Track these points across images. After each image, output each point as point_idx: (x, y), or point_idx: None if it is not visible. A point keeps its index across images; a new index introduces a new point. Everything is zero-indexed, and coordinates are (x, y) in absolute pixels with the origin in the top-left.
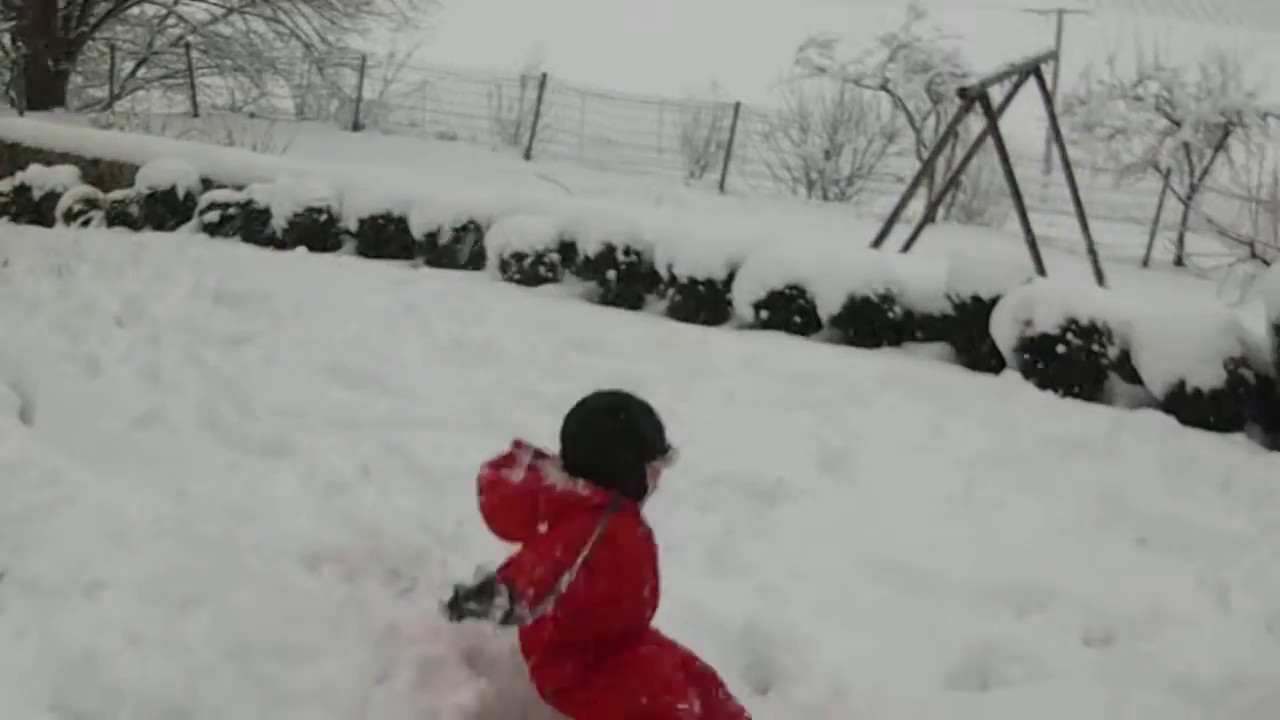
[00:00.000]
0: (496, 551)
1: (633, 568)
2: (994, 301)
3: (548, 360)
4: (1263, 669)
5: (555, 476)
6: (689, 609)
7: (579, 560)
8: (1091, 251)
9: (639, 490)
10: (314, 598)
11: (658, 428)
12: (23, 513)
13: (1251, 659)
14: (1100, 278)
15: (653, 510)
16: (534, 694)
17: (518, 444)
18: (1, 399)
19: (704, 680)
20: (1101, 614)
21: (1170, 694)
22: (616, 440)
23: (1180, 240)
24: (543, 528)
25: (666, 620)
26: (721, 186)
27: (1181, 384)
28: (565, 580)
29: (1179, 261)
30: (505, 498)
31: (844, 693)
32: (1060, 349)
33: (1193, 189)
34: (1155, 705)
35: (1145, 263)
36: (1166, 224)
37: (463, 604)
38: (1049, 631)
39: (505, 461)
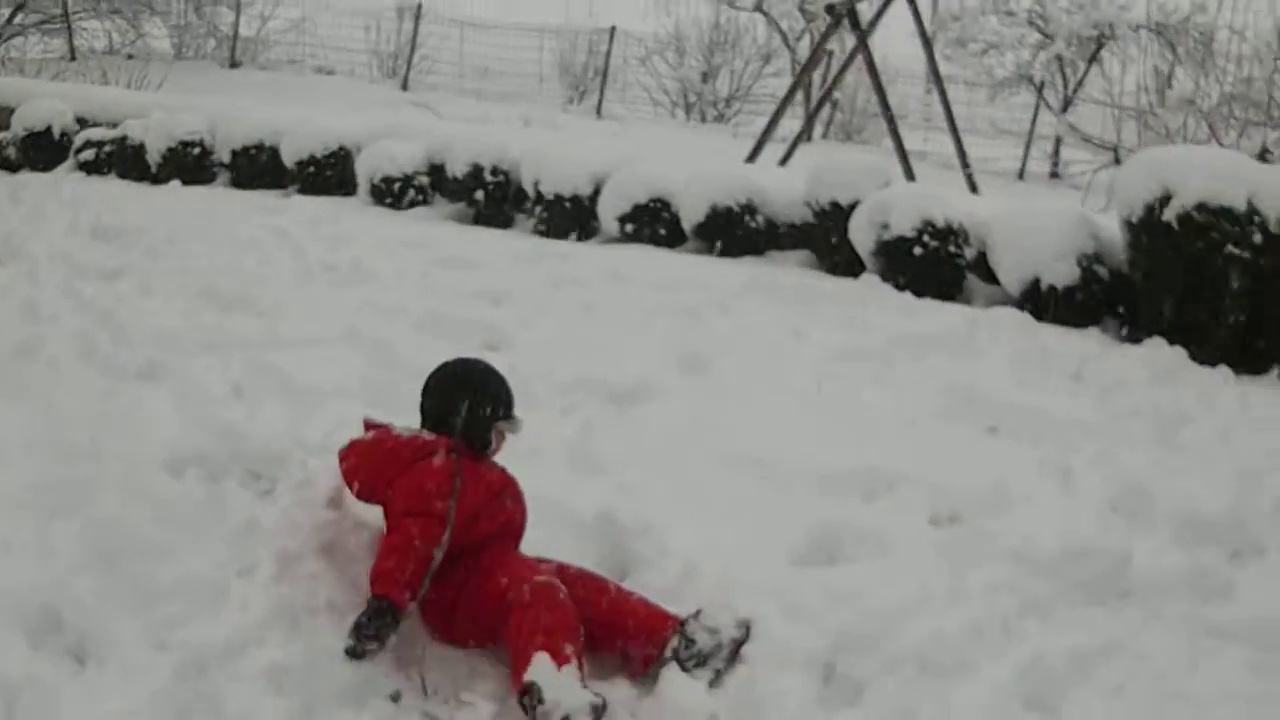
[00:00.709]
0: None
1: (490, 496)
2: (852, 207)
3: (416, 279)
4: (1103, 543)
5: (400, 429)
6: (548, 505)
7: (451, 513)
8: (964, 163)
9: (481, 445)
10: (177, 500)
11: (506, 392)
12: None
13: (1093, 534)
14: (973, 188)
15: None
16: None
17: (367, 422)
18: None
19: (586, 583)
20: (947, 496)
21: (1012, 566)
22: (463, 395)
23: (1055, 152)
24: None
25: (530, 516)
26: (599, 111)
27: (1036, 281)
28: (437, 559)
29: (1054, 174)
30: (360, 454)
31: (695, 574)
32: (917, 251)
33: (1066, 102)
34: (998, 577)
35: (1021, 175)
36: (1041, 137)
37: (363, 638)
38: (896, 513)
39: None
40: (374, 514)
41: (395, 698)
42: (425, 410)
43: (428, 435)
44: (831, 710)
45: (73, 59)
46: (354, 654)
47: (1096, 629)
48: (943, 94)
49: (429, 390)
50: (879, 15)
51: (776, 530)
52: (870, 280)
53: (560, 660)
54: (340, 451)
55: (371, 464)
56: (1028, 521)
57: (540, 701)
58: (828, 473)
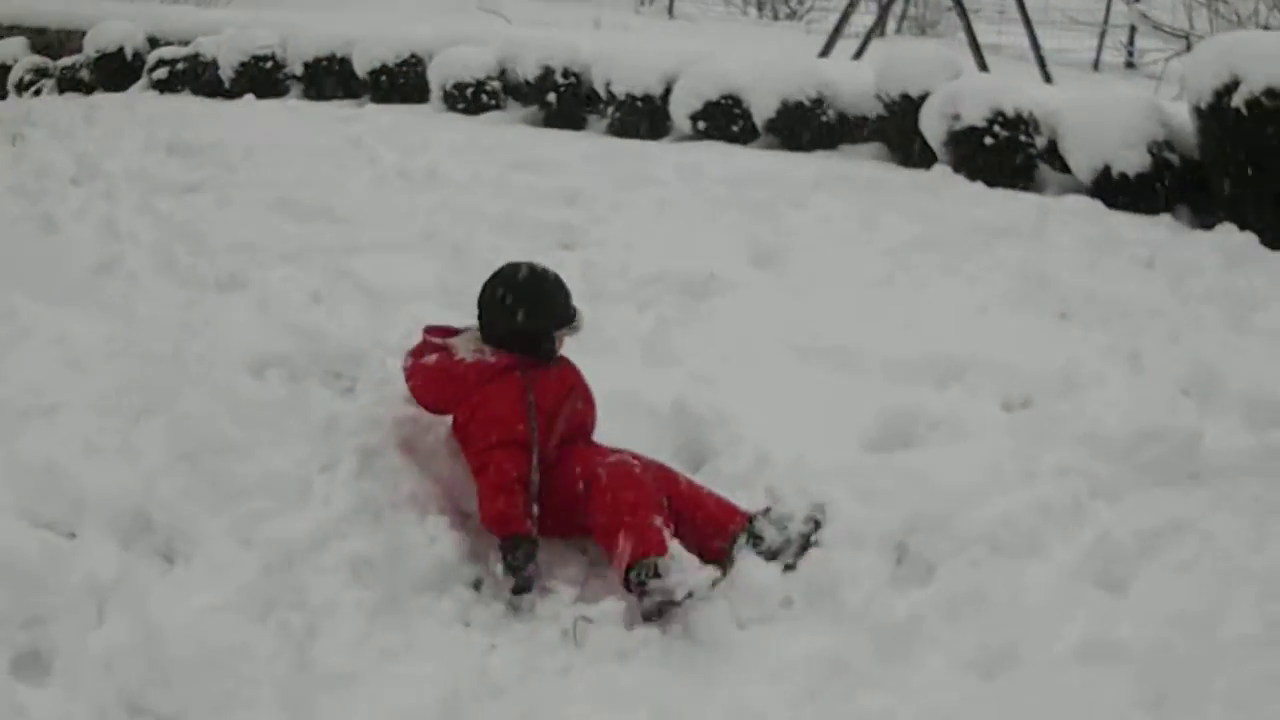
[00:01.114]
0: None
1: (561, 400)
2: (923, 99)
3: (491, 181)
4: (1173, 424)
5: (464, 351)
6: (624, 398)
7: (534, 434)
8: (1037, 53)
9: (548, 354)
10: (259, 400)
11: (563, 297)
12: None
13: (1161, 416)
14: (1047, 79)
15: (589, 311)
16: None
17: (428, 330)
18: None
19: (656, 475)
20: (1019, 381)
21: (1083, 448)
22: (518, 311)
23: (1130, 41)
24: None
25: (604, 410)
26: (670, 11)
27: (1107, 169)
28: (536, 480)
29: (1130, 64)
30: (428, 378)
31: (767, 461)
32: (988, 140)
33: None
34: (1068, 459)
35: (1096, 66)
36: (1115, 26)
37: (520, 576)
38: (968, 398)
39: (421, 350)
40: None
41: (476, 585)
42: (483, 325)
43: (489, 355)
44: (904, 590)
45: None
46: (524, 589)
47: (1165, 509)
48: None
49: (485, 305)
50: None
51: (849, 417)
52: (942, 171)
53: (654, 536)
54: (405, 368)
55: (441, 388)
56: (1098, 405)
57: (656, 575)
58: (900, 360)
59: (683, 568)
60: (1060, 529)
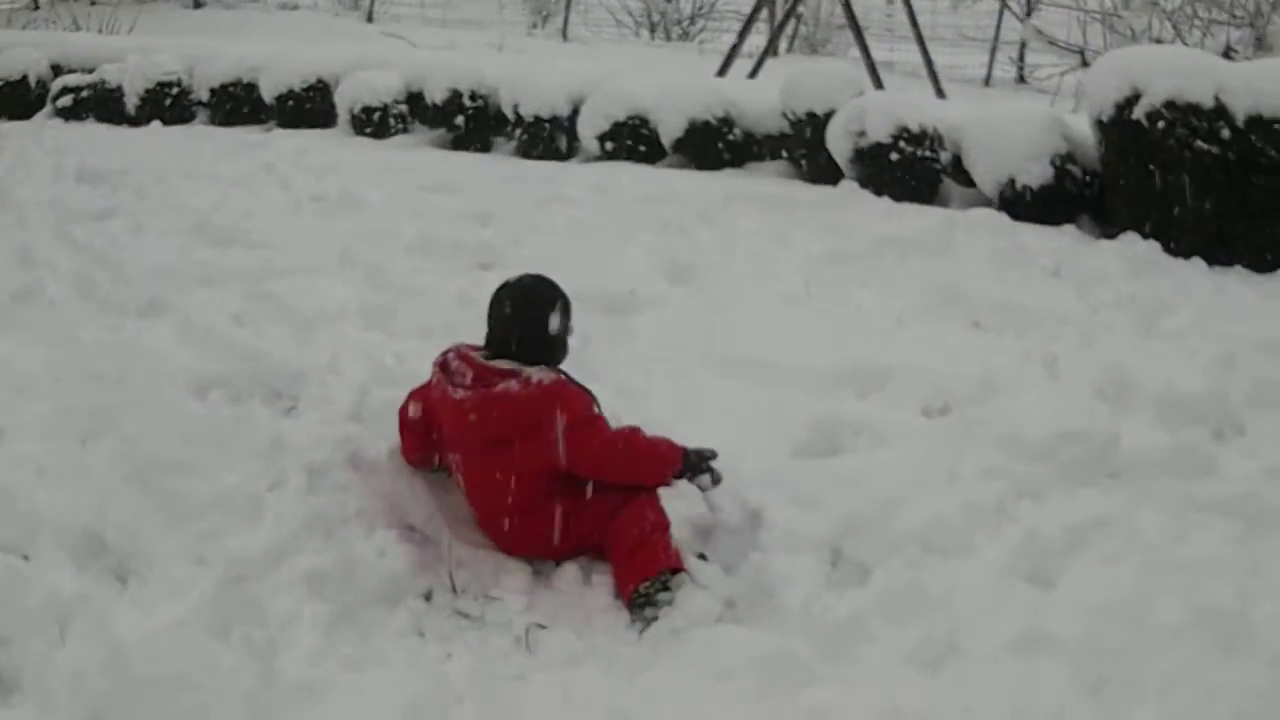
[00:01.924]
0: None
1: None
2: (828, 116)
3: (404, 204)
4: (1090, 426)
5: (510, 384)
6: None
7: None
8: (930, 70)
9: (564, 355)
10: (205, 420)
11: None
12: None
13: (1079, 419)
14: (940, 95)
15: None
16: (416, 489)
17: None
18: None
19: None
20: (938, 388)
21: (1004, 450)
22: (554, 314)
23: (1021, 57)
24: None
25: None
26: (564, 35)
27: (1012, 182)
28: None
29: (1021, 79)
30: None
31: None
32: (894, 156)
33: (1030, 7)
34: (991, 462)
35: (988, 82)
36: (1007, 43)
37: (713, 472)
38: (889, 406)
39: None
40: (394, 427)
41: (427, 596)
42: (510, 338)
43: (529, 373)
44: (841, 590)
45: (36, 8)
46: (718, 480)
47: (1088, 507)
48: (908, 2)
49: (515, 319)
50: None
51: (776, 426)
52: (849, 187)
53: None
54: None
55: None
56: (1016, 409)
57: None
58: (821, 371)
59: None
60: (988, 528)
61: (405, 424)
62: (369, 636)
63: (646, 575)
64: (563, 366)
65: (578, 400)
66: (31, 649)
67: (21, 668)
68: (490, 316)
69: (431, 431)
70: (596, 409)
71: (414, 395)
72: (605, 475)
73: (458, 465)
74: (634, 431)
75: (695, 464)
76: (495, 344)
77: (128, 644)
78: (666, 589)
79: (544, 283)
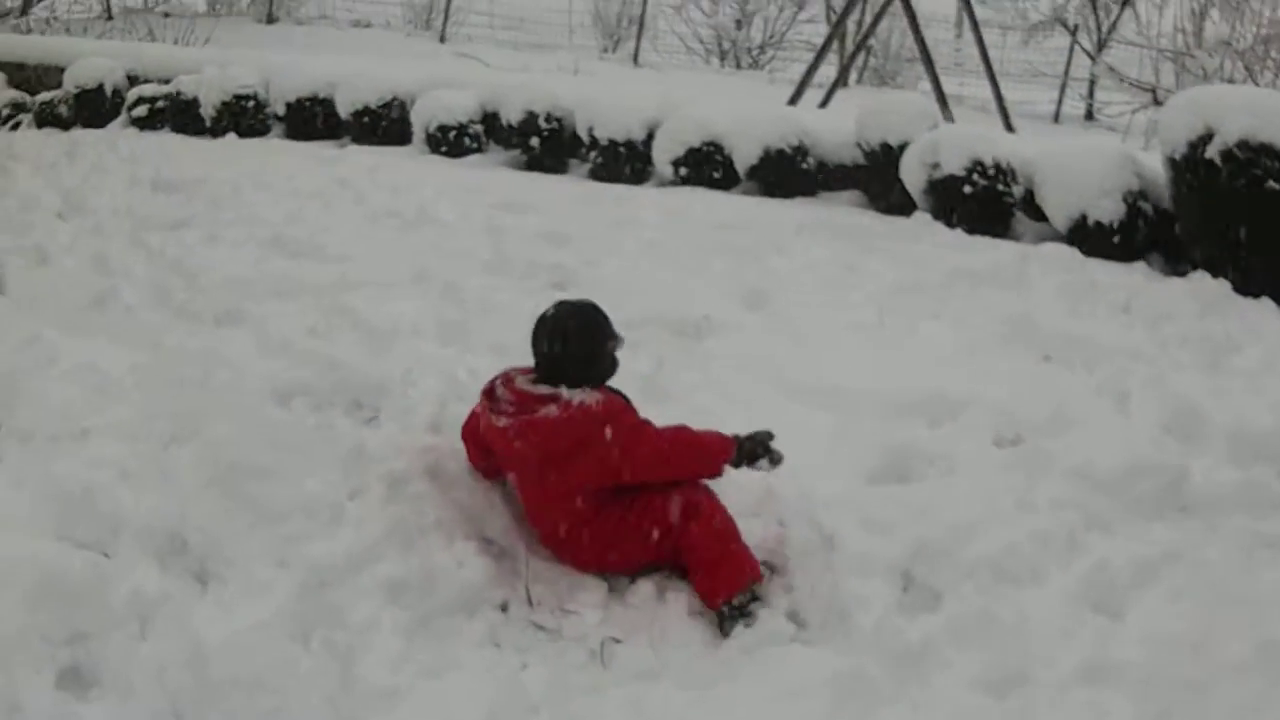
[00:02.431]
0: (454, 383)
1: None
2: (902, 148)
3: (479, 222)
4: (1160, 460)
5: (550, 409)
6: None
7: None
8: (1000, 104)
9: (613, 371)
10: (287, 427)
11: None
12: (9, 371)
13: (1149, 453)
14: (1010, 130)
15: None
16: (493, 502)
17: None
18: None
19: None
20: (1009, 419)
21: (1074, 482)
22: (599, 339)
23: (1090, 94)
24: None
25: None
26: (635, 60)
27: (1083, 218)
28: None
29: (1090, 115)
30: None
31: (774, 494)
32: (967, 189)
33: (1101, 44)
34: (1061, 493)
35: (1056, 118)
36: (1076, 79)
37: (771, 452)
38: (961, 436)
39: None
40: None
41: (503, 607)
42: (561, 362)
43: (569, 396)
44: (913, 615)
45: (109, 18)
46: (777, 461)
47: (1156, 540)
48: (979, 37)
49: (568, 346)
50: None
51: (849, 452)
52: (922, 218)
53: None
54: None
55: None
56: (1087, 442)
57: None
58: (893, 399)
59: None
60: (1058, 558)
61: (469, 437)
62: (446, 645)
63: (736, 588)
64: (616, 383)
65: (621, 414)
66: (112, 645)
67: (102, 663)
68: (534, 345)
69: (489, 452)
70: (637, 415)
71: (473, 417)
72: (661, 476)
73: (515, 486)
74: (681, 429)
75: (751, 450)
76: (543, 368)
77: (208, 644)
78: (757, 598)
79: (582, 311)
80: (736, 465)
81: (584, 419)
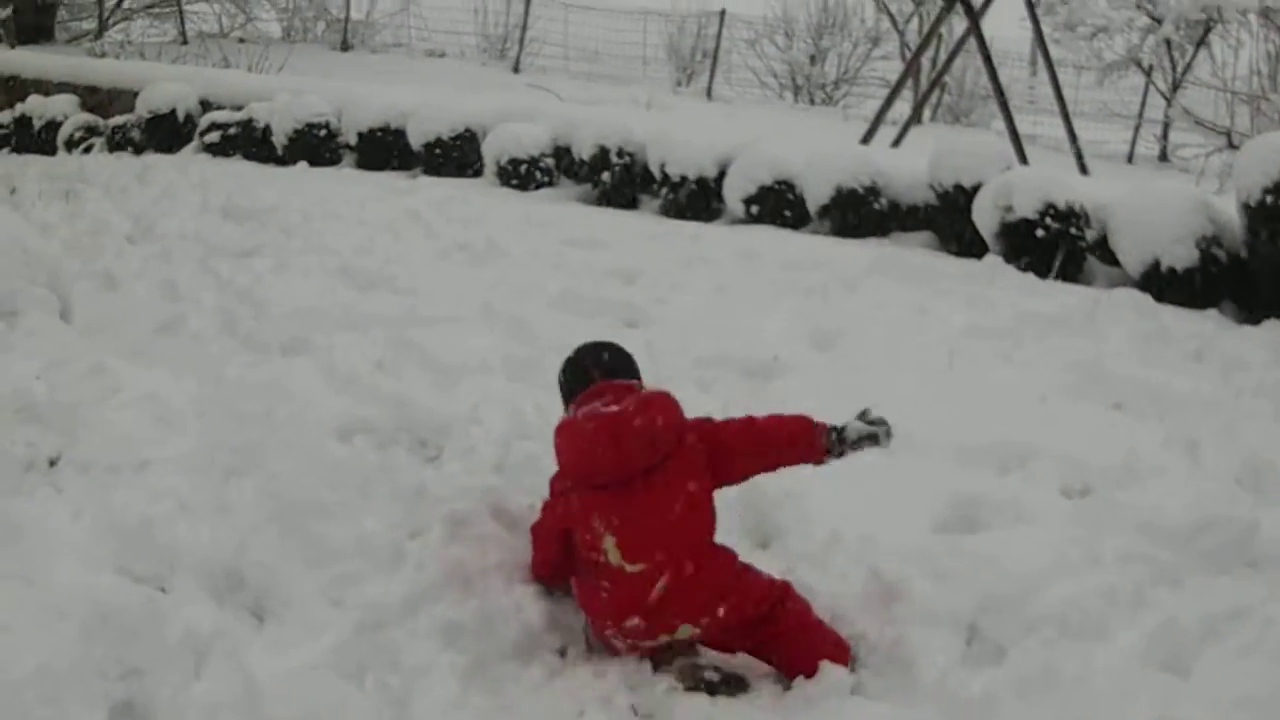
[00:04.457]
0: (521, 421)
1: None
2: (975, 189)
3: (548, 258)
4: (1230, 514)
5: (645, 389)
6: None
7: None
8: (1074, 145)
9: None
10: (348, 464)
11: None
12: (73, 401)
13: (1220, 505)
14: (1084, 170)
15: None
16: None
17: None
18: (42, 300)
19: None
20: (1079, 469)
21: (1143, 535)
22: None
23: (1164, 135)
24: None
25: None
26: (709, 94)
27: (1156, 263)
28: None
29: (1163, 156)
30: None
31: (839, 540)
32: (1039, 233)
33: (1175, 85)
34: (1129, 546)
35: (1130, 159)
36: (1150, 120)
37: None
38: (1030, 485)
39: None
40: (538, 481)
41: (562, 652)
42: (622, 361)
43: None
44: (976, 668)
45: (184, 43)
46: (889, 433)
47: (1225, 596)
48: (1053, 77)
49: (616, 365)
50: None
51: (915, 499)
52: (993, 261)
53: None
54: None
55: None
56: (1156, 493)
57: None
58: (962, 446)
59: None
60: (1125, 613)
61: (548, 529)
62: (503, 689)
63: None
64: None
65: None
66: (166, 681)
67: (155, 700)
68: (583, 371)
69: (569, 540)
70: None
71: (554, 507)
72: (759, 461)
73: (614, 522)
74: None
75: (857, 431)
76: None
77: (262, 682)
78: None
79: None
80: (838, 455)
81: (667, 398)
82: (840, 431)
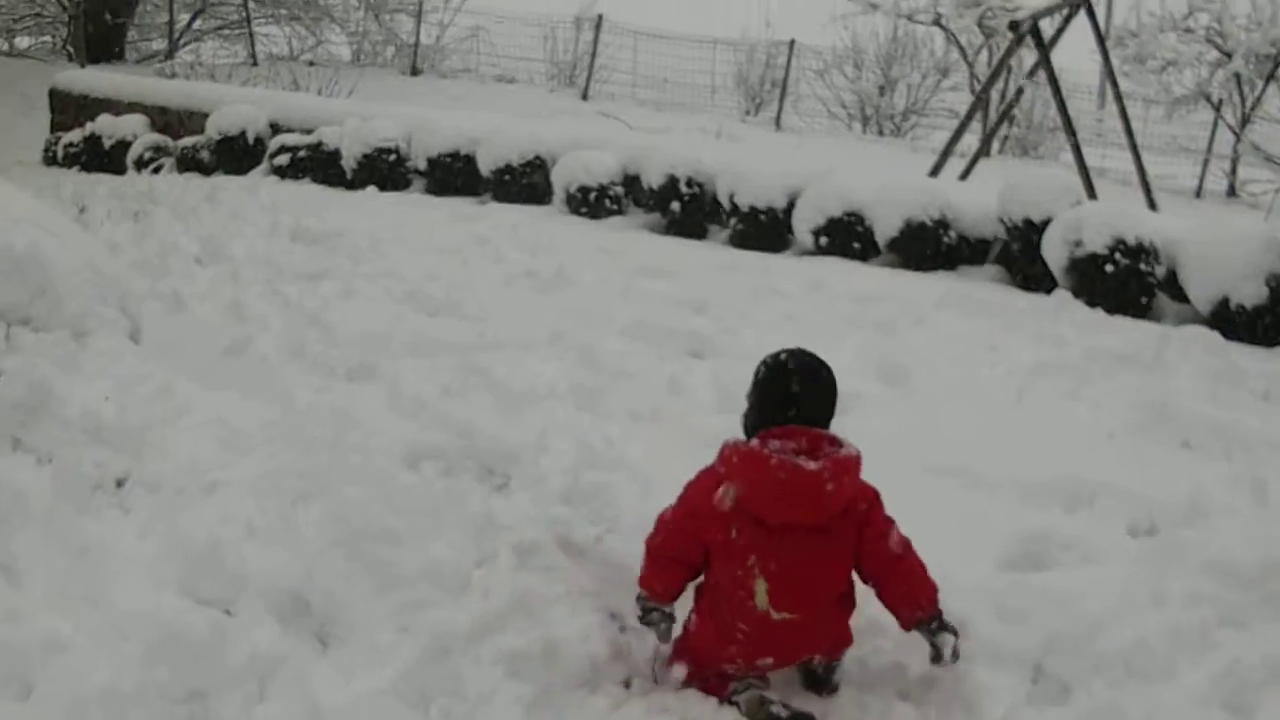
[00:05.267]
0: (588, 450)
1: None
2: (1045, 224)
3: (617, 286)
4: None
5: (849, 450)
6: None
7: None
8: (1143, 179)
9: None
10: (416, 491)
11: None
12: (142, 422)
13: None
14: (1152, 205)
15: (721, 423)
16: (623, 577)
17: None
18: (113, 321)
19: None
20: (1146, 507)
21: (1210, 577)
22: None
23: (1233, 170)
24: None
25: None
26: (777, 123)
27: (1225, 300)
28: None
29: (1232, 192)
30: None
31: None
32: (1109, 268)
33: (1244, 119)
34: (1196, 586)
35: (1198, 194)
36: (1219, 155)
37: None
38: (1096, 523)
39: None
40: (604, 512)
41: (627, 684)
42: (828, 410)
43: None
44: (1041, 708)
45: (254, 64)
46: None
47: None
48: (1123, 110)
49: (819, 397)
50: (1060, 32)
51: (984, 536)
52: (1062, 296)
53: None
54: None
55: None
56: (1224, 534)
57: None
58: (1030, 482)
59: None
60: (1190, 654)
61: (686, 519)
62: (567, 719)
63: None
64: None
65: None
66: (230, 704)
67: None
68: (791, 393)
69: (700, 552)
70: None
71: (703, 487)
72: (894, 574)
73: (772, 568)
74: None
75: (945, 639)
76: (800, 418)
77: (326, 708)
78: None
79: (826, 365)
80: (932, 633)
81: (859, 462)
82: (938, 623)
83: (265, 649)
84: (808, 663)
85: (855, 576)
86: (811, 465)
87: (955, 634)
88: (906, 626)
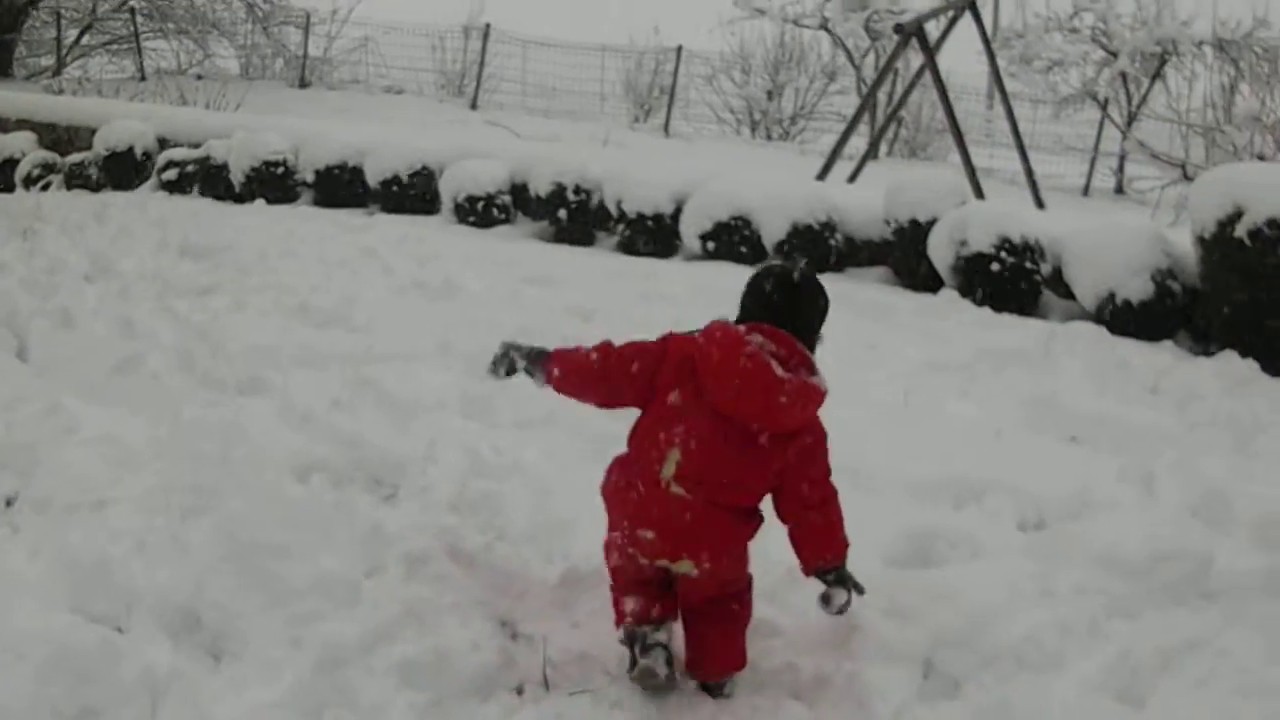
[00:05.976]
0: (477, 459)
1: None
2: (930, 225)
3: (505, 295)
4: (1185, 546)
5: (819, 380)
6: None
7: None
8: (1030, 179)
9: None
10: (305, 503)
11: None
12: (30, 441)
13: (1175, 538)
14: (1040, 204)
15: (615, 429)
16: (513, 584)
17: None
18: None
19: None
20: (1035, 502)
21: (1098, 568)
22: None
23: (1120, 168)
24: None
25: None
26: (666, 130)
27: (1111, 296)
28: None
29: (1119, 189)
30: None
31: (796, 576)
32: (994, 267)
33: (1131, 118)
34: (1085, 579)
35: (1086, 191)
36: (1106, 153)
37: None
38: (985, 519)
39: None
40: (494, 520)
41: (519, 691)
42: (813, 332)
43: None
44: (932, 703)
45: (142, 79)
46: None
47: (1181, 628)
48: (1009, 111)
49: (803, 308)
50: (945, 34)
51: (871, 535)
52: (949, 296)
53: None
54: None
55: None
56: (1111, 526)
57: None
58: (918, 480)
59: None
60: (1080, 646)
61: (613, 362)
62: None
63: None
64: None
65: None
66: None
67: None
68: (781, 304)
69: (643, 386)
70: None
71: (655, 349)
72: (807, 520)
73: (691, 445)
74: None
75: (841, 591)
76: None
77: None
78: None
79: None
80: (839, 583)
81: (823, 396)
82: (837, 576)
83: (157, 665)
84: (695, 669)
85: (768, 520)
86: (781, 372)
87: (852, 593)
88: (807, 571)
